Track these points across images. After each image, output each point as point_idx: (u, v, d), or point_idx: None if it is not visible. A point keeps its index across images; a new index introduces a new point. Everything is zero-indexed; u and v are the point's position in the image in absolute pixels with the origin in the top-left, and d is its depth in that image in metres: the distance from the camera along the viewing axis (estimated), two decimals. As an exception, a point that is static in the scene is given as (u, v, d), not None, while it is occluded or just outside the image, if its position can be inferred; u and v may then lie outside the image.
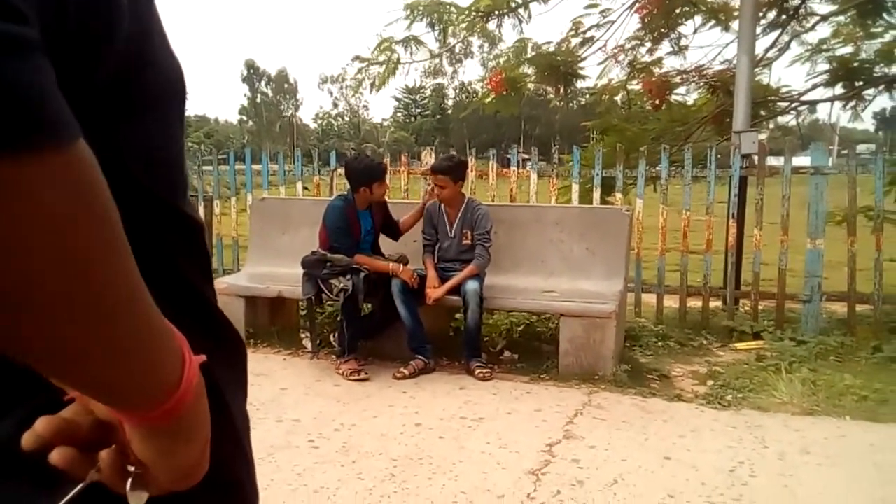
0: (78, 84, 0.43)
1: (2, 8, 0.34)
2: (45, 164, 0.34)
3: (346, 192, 4.27)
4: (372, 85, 6.84)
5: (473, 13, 6.56)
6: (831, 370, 4.07)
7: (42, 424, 0.46)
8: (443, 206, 4.35)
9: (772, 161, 5.49)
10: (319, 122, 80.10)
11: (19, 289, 0.35)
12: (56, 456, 0.47)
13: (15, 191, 0.34)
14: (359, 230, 4.17)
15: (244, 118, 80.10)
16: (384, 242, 4.49)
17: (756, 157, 5.15)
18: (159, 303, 0.45)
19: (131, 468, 0.49)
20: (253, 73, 76.89)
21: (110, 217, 0.39)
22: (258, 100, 76.09)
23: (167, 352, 0.47)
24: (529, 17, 6.89)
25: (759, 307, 5.13)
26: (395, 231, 4.45)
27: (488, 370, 4.05)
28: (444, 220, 4.36)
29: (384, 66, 6.66)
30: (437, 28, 6.53)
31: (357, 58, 6.78)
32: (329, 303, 4.37)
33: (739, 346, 4.78)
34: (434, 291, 4.15)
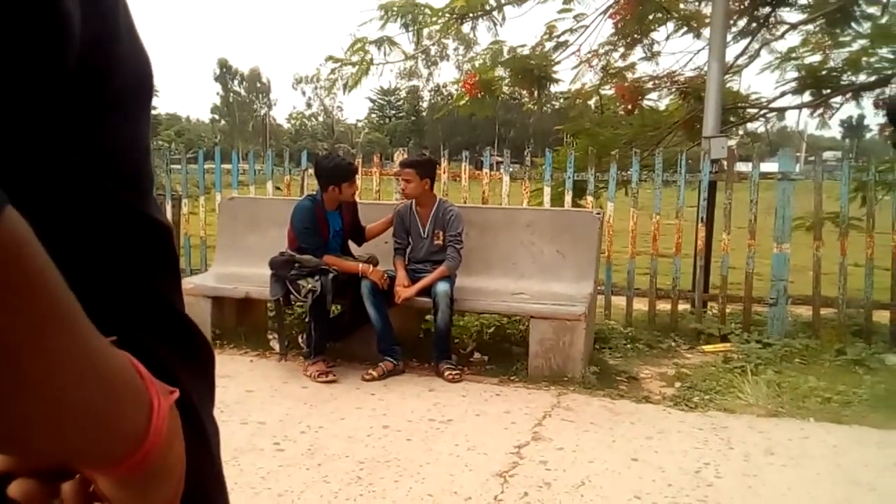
0: (36, 90, 0.40)
1: None
2: None
3: (314, 192, 4.23)
4: (345, 86, 6.79)
5: (448, 15, 6.55)
6: (796, 372, 4.13)
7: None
8: (414, 206, 4.33)
9: (741, 167, 5.57)
10: (293, 122, 79.47)
11: None
12: (15, 488, 0.43)
13: None
14: (327, 230, 4.12)
15: (216, 117, 79.22)
16: (354, 245, 4.45)
17: (725, 163, 5.21)
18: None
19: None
20: (226, 72, 76.07)
21: (45, 289, 0.35)
22: (231, 99, 75.33)
23: (129, 405, 0.43)
24: (503, 19, 6.90)
25: (727, 310, 5.19)
26: (360, 235, 4.41)
27: (457, 372, 4.04)
28: (416, 221, 4.34)
29: (357, 67, 6.62)
30: (411, 29, 6.51)
31: (330, 58, 6.73)
32: (298, 304, 4.31)
33: (707, 348, 4.83)
34: (404, 290, 4.12)
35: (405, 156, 5.09)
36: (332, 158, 4.20)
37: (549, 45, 7.74)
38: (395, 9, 6.28)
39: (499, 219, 4.72)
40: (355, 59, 6.59)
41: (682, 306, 5.41)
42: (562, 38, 7.75)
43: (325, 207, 4.13)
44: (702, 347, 4.87)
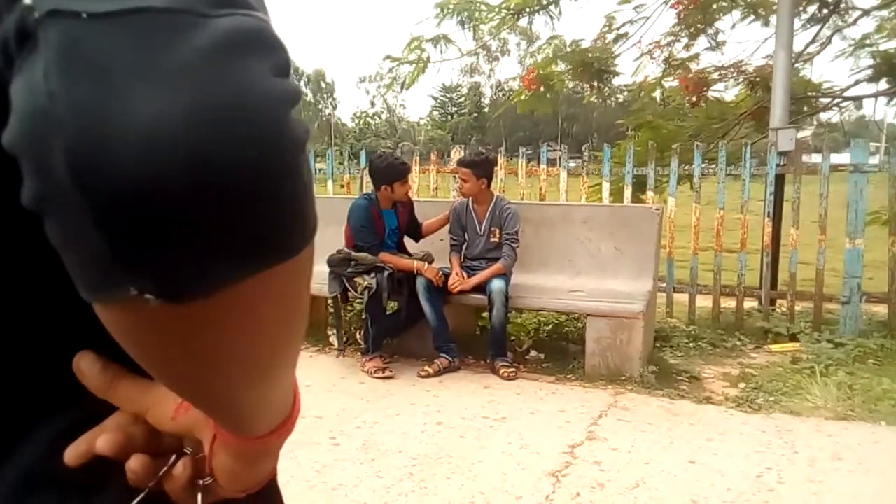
0: None
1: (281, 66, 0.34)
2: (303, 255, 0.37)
3: (370, 191, 4.28)
4: (402, 84, 6.85)
5: (504, 10, 6.51)
6: (869, 374, 3.94)
7: (106, 440, 0.47)
8: (471, 204, 4.33)
9: (814, 158, 5.34)
10: (357, 120, 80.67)
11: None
12: (134, 462, 0.47)
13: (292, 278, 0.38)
14: (383, 228, 4.17)
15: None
16: (411, 241, 4.49)
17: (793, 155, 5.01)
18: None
19: (201, 481, 0.50)
20: (293, 74, 77.72)
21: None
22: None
23: (294, 384, 0.51)
24: (560, 13, 6.82)
25: (796, 308, 5.00)
26: (416, 232, 4.45)
27: (513, 369, 4.02)
28: (473, 218, 4.34)
29: (414, 65, 6.66)
30: (467, 26, 6.51)
31: (388, 57, 6.80)
32: (356, 301, 4.38)
33: (774, 347, 4.66)
34: (459, 281, 4.13)
35: (462, 154, 5.09)
36: (384, 158, 4.23)
37: (609, 37, 7.62)
38: (451, 6, 6.29)
39: (555, 215, 4.67)
40: (412, 57, 6.63)
41: (749, 304, 5.24)
42: (622, 30, 7.62)
43: (381, 206, 4.18)
44: (769, 347, 4.70)
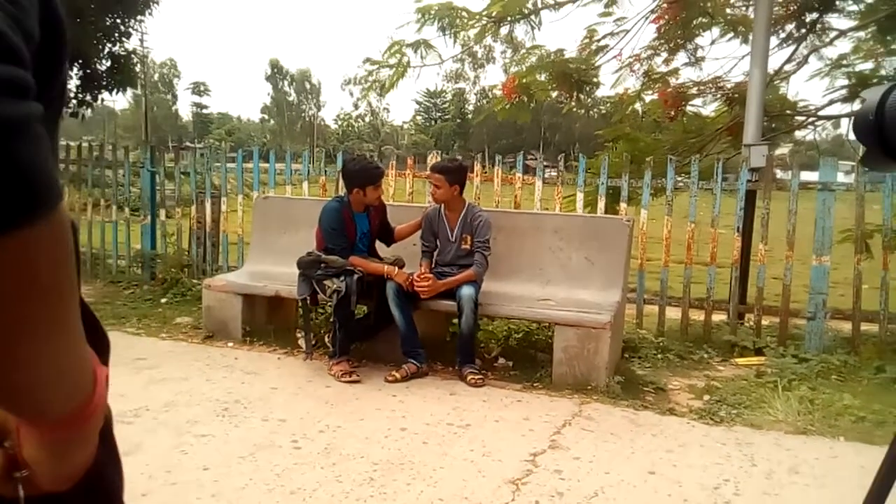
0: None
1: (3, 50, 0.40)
2: (36, 228, 0.41)
3: (342, 194, 4.27)
4: (382, 87, 6.85)
5: (485, 18, 6.54)
6: (831, 389, 3.99)
7: None
8: (443, 210, 4.34)
9: (782, 175, 5.42)
10: (340, 123, 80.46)
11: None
12: None
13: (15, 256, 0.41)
14: (354, 232, 4.16)
15: (266, 117, 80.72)
16: (383, 246, 4.48)
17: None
18: None
19: (17, 473, 0.52)
20: (276, 73, 77.46)
21: (73, 258, 0.47)
22: (280, 99, 76.63)
23: (86, 367, 0.52)
24: (540, 23, 6.86)
25: (763, 323, 5.06)
26: (388, 237, 4.44)
27: (480, 377, 4.02)
28: (445, 225, 4.35)
29: (394, 69, 6.66)
30: (447, 32, 6.52)
31: (368, 60, 6.80)
32: (326, 304, 4.36)
33: (740, 361, 4.71)
34: (426, 280, 4.11)
35: (437, 158, 5.10)
36: (358, 161, 4.23)
37: (590, 48, 7.67)
38: (433, 12, 6.30)
39: (527, 223, 4.69)
40: (392, 61, 6.63)
41: (718, 317, 5.29)
42: (602, 43, 7.68)
43: (353, 209, 4.17)
44: (735, 360, 4.75)
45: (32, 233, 0.41)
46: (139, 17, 9.57)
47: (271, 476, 2.77)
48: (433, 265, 4.36)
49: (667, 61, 8.08)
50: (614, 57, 7.85)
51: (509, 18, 6.61)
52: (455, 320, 4.54)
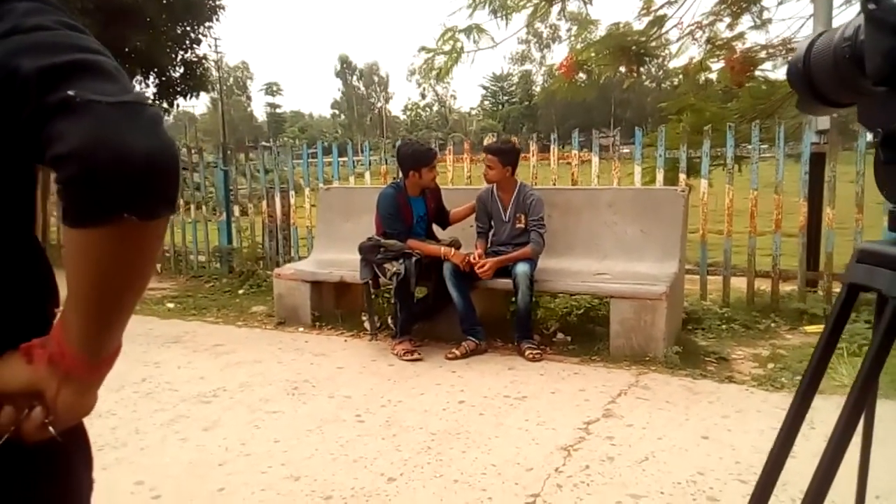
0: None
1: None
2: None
3: (398, 180, 4.42)
4: (437, 74, 6.96)
5: (536, -2, 6.55)
6: (903, 353, 3.86)
7: None
8: (496, 191, 4.43)
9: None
10: (408, 113, 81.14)
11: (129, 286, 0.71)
12: (3, 415, 0.71)
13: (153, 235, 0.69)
14: (410, 216, 4.30)
15: (336, 112, 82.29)
16: (439, 229, 4.61)
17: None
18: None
19: (47, 419, 0.72)
20: (346, 68, 78.82)
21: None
22: (349, 94, 77.93)
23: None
24: (592, -1, 6.80)
25: (835, 289, 4.91)
26: (444, 220, 4.56)
27: (538, 351, 4.11)
28: (498, 205, 4.43)
29: (448, 56, 6.76)
30: (499, 15, 6.57)
31: (423, 48, 6.93)
32: (388, 286, 4.53)
33: (809, 329, 4.61)
34: (481, 258, 4.21)
35: (493, 141, 5.18)
36: (410, 144, 4.37)
37: (646, 20, 7.55)
38: (484, -5, 6.36)
39: (581, 199, 4.72)
40: (446, 48, 6.73)
41: (789, 287, 5.17)
42: (660, 12, 7.53)
43: (409, 193, 4.31)
44: (804, 328, 4.65)
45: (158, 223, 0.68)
46: (208, 24, 10.03)
47: (336, 447, 2.96)
48: (489, 245, 4.46)
49: (731, 26, 7.86)
50: (674, 26, 7.69)
51: (560, -4, 6.59)
52: (513, 298, 4.64)
